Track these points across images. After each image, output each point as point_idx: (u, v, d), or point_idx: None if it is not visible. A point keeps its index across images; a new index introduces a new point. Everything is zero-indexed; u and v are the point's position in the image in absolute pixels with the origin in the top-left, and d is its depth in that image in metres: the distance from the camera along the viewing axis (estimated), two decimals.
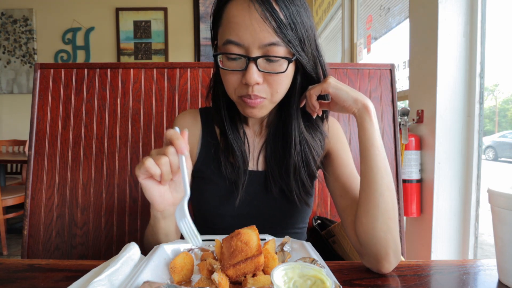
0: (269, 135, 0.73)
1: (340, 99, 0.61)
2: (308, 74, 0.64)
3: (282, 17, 0.55)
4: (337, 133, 0.76)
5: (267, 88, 0.60)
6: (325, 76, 0.67)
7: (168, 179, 0.54)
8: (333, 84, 0.61)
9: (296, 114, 0.68)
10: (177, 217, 0.55)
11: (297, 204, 0.72)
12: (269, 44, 0.56)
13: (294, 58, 0.59)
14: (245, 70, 0.57)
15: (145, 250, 0.66)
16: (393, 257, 0.57)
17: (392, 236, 0.58)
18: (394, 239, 0.58)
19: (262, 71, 0.58)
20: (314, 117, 0.69)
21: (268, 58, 0.57)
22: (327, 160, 0.74)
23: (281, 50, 0.57)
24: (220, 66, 0.60)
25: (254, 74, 0.57)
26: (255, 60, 0.56)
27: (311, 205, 0.76)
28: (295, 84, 0.65)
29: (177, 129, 0.54)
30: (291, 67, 0.61)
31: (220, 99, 0.70)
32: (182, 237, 0.76)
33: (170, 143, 0.53)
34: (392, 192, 0.59)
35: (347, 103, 0.60)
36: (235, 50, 0.57)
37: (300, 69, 0.64)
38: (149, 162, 0.51)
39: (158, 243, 0.63)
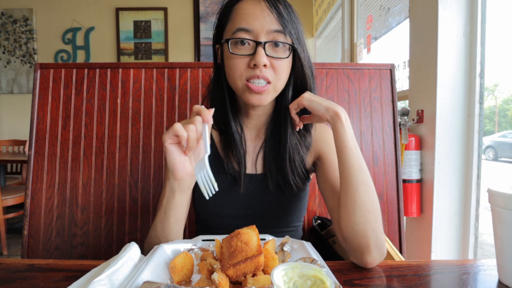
0: (267, 133, 0.79)
1: (314, 109, 0.67)
2: (301, 74, 0.72)
3: (284, 13, 0.66)
4: (327, 138, 0.80)
5: (272, 73, 0.67)
6: (313, 81, 0.75)
7: (193, 146, 0.59)
8: (307, 97, 0.68)
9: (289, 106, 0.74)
10: (196, 170, 0.60)
11: (294, 195, 0.77)
12: (275, 30, 0.65)
13: (294, 47, 0.68)
14: (253, 54, 0.65)
15: (152, 241, 0.68)
16: (374, 250, 0.60)
17: (371, 227, 0.61)
18: (374, 231, 0.61)
19: (268, 56, 0.66)
20: (297, 130, 0.76)
21: (274, 43, 0.66)
22: (318, 164, 0.79)
23: (283, 39, 0.66)
24: (230, 51, 0.67)
25: (263, 57, 0.65)
26: (263, 44, 0.65)
27: (307, 190, 0.82)
28: (290, 81, 0.73)
29: (202, 106, 0.61)
30: (290, 58, 0.69)
31: (224, 91, 0.74)
32: (184, 237, 0.77)
33: (197, 114, 0.59)
34: (367, 186, 0.63)
35: (320, 112, 0.66)
36: (245, 36, 0.66)
37: (296, 64, 0.71)
38: (178, 126, 0.57)
39: (167, 227, 0.66)
